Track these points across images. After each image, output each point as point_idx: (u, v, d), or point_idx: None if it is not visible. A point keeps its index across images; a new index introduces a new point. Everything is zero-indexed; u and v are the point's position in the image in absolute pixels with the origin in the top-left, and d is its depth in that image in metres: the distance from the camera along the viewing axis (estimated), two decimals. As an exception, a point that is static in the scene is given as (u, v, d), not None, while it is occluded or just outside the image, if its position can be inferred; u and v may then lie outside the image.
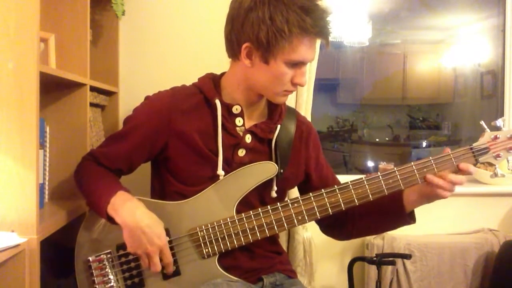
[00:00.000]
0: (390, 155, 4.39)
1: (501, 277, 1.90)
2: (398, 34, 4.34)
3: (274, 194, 1.29)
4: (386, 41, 4.38)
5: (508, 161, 1.26)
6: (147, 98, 1.30)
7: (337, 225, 1.39)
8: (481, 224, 2.13)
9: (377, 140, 4.69)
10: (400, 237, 1.97)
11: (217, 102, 1.25)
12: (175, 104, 1.25)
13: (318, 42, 1.23)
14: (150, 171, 1.35)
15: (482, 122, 1.27)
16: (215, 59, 1.38)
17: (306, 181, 1.39)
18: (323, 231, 1.47)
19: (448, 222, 2.10)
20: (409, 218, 1.28)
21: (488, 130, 1.26)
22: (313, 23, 1.14)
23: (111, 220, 1.16)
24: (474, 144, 1.25)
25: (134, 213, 1.14)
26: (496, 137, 1.25)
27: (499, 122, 1.25)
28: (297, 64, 1.19)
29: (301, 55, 1.17)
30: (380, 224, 1.36)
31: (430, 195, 1.23)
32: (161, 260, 1.16)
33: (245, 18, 1.16)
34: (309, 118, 1.90)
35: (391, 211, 1.29)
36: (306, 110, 1.91)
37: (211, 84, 1.28)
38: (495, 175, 1.26)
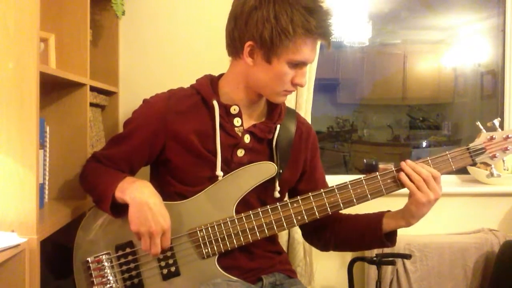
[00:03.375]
0: (390, 155, 4.38)
1: (501, 277, 1.90)
2: (398, 34, 4.34)
3: (277, 195, 1.29)
4: (386, 41, 4.37)
5: (504, 161, 1.27)
6: (144, 101, 1.30)
7: (317, 231, 1.39)
8: (481, 224, 2.13)
9: (377, 140, 4.68)
10: (400, 237, 1.93)
11: (215, 102, 1.25)
12: (171, 106, 1.25)
13: (318, 43, 1.23)
14: (150, 173, 1.35)
15: (478, 123, 1.28)
16: (215, 59, 1.38)
17: (298, 181, 1.38)
18: (305, 238, 1.48)
19: (448, 222, 2.10)
20: (385, 239, 1.29)
21: (484, 130, 1.27)
22: (317, 24, 1.15)
23: (115, 210, 1.17)
24: (471, 145, 1.26)
25: (143, 190, 1.15)
26: (492, 138, 1.26)
27: (495, 123, 1.26)
28: (298, 65, 1.20)
29: (303, 55, 1.18)
30: (357, 237, 1.33)
31: (408, 205, 1.23)
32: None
33: (249, 16, 1.16)
34: (309, 118, 1.91)
35: (370, 226, 1.30)
36: (306, 110, 1.91)
37: (209, 85, 1.28)
38: (491, 175, 1.28)
